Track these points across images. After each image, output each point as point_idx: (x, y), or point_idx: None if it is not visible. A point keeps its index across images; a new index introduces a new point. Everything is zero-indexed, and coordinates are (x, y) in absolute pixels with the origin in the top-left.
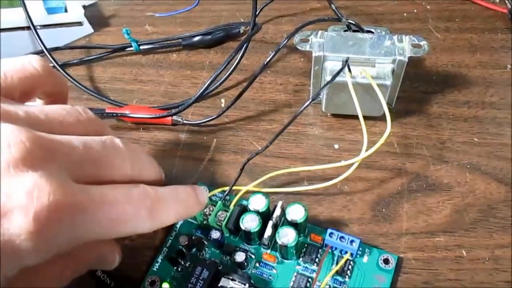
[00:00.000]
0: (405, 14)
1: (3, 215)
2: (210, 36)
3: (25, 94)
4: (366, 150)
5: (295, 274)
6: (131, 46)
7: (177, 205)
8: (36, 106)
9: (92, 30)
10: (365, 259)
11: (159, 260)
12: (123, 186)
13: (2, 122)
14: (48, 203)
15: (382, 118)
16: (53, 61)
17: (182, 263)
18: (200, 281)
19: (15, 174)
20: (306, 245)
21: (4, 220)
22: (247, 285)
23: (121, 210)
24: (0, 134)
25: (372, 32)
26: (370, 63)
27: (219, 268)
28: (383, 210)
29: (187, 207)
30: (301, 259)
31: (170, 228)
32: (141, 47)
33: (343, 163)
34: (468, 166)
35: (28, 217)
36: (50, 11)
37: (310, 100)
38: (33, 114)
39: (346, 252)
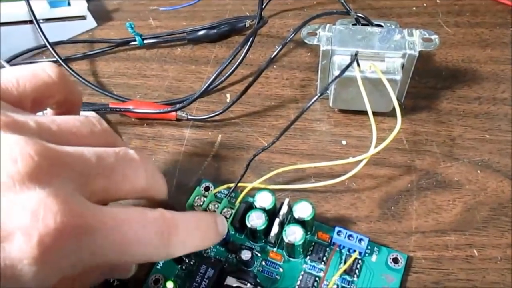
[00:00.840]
0: (414, 8)
1: (5, 238)
2: (215, 30)
3: (37, 103)
4: (375, 147)
5: (302, 273)
6: (135, 40)
7: (195, 234)
8: (48, 116)
9: (95, 24)
10: (374, 258)
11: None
12: (138, 208)
13: (9, 133)
14: (54, 225)
15: (391, 114)
16: (56, 55)
17: (187, 261)
18: (205, 279)
19: (21, 190)
20: (313, 244)
21: (5, 244)
22: (253, 284)
23: (133, 236)
24: (6, 145)
25: (382, 26)
26: (379, 57)
27: (224, 266)
28: (392, 208)
29: (205, 238)
30: (308, 257)
31: None
32: (145, 41)
33: (351, 159)
34: (479, 164)
35: (32, 241)
36: (53, 5)
37: (318, 95)
38: (44, 125)
39: (354, 251)
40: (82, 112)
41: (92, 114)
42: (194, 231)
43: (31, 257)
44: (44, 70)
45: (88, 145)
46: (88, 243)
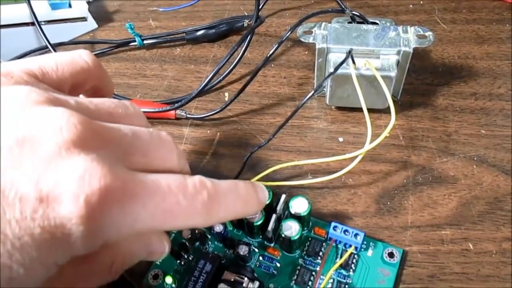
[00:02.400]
0: (410, 5)
1: (54, 199)
2: (213, 30)
3: (75, 87)
4: (370, 143)
5: (298, 267)
6: (134, 41)
7: (236, 201)
8: (85, 98)
9: (96, 26)
10: (370, 252)
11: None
12: (178, 175)
13: (52, 107)
14: (99, 187)
15: (387, 111)
16: None
17: (185, 256)
18: (203, 274)
19: (67, 156)
20: (310, 239)
21: (55, 204)
22: (251, 278)
23: (174, 201)
24: (52, 116)
25: (377, 24)
26: (374, 54)
27: (222, 261)
28: (388, 203)
29: (245, 205)
30: (304, 252)
31: None
32: (145, 42)
33: (347, 155)
34: (475, 159)
35: (79, 201)
36: (54, 6)
37: (313, 91)
38: (83, 104)
39: (350, 246)
40: None
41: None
42: (235, 199)
43: (78, 216)
44: (81, 56)
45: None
46: (131, 208)
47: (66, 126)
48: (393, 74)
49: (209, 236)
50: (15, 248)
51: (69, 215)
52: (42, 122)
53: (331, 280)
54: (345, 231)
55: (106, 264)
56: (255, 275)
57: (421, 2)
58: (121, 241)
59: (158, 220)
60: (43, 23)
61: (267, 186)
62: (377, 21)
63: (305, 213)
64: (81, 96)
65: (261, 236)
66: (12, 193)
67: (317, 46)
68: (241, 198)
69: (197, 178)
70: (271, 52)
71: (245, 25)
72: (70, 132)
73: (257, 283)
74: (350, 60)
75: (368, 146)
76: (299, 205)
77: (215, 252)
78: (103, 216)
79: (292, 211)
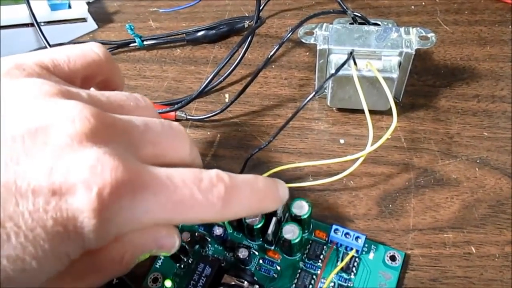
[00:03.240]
0: (412, 7)
1: (66, 191)
2: (214, 31)
3: (86, 80)
4: (372, 145)
5: (299, 271)
6: (134, 42)
7: (253, 196)
8: (97, 91)
9: (96, 26)
10: (371, 255)
11: (162, 256)
12: (193, 169)
13: (65, 99)
14: (111, 179)
15: (389, 112)
16: None
17: (185, 259)
18: (202, 278)
19: (79, 148)
20: (310, 242)
21: (67, 196)
22: (250, 282)
23: (188, 195)
24: (64, 108)
25: (379, 25)
26: (376, 56)
27: (222, 265)
28: (390, 205)
29: (263, 201)
30: (305, 255)
31: None
32: (145, 43)
33: (348, 157)
34: (477, 161)
35: (91, 194)
36: (54, 7)
37: (314, 93)
38: (95, 96)
39: (351, 249)
40: None
41: None
42: (252, 193)
43: (91, 209)
44: (92, 49)
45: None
46: (143, 200)
47: (79, 119)
48: (395, 75)
49: (209, 239)
50: (28, 240)
51: (81, 208)
52: (55, 114)
53: (332, 284)
54: (346, 234)
55: (117, 256)
56: (255, 278)
57: (423, 3)
58: (132, 233)
59: (170, 213)
60: (42, 24)
61: None
62: (378, 22)
63: (305, 216)
64: (92, 89)
65: (261, 239)
66: (25, 184)
67: (318, 47)
68: (260, 192)
69: (214, 171)
70: (272, 53)
71: (246, 26)
72: (82, 124)
73: (257, 287)
74: (351, 61)
75: (369, 148)
76: (300, 208)
77: (215, 255)
78: (115, 208)
79: (293, 213)
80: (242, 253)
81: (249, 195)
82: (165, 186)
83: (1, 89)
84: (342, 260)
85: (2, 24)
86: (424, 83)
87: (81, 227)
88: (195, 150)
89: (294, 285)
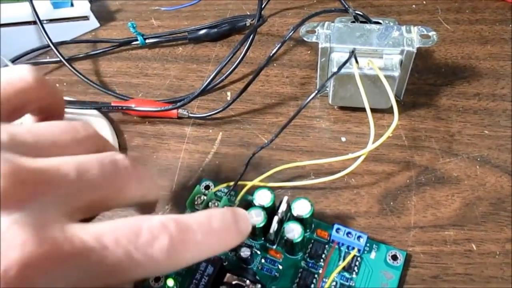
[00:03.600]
0: (413, 6)
1: None
2: (216, 30)
3: (14, 110)
4: (373, 143)
5: (301, 270)
6: (136, 40)
7: (207, 239)
8: (24, 126)
9: (98, 25)
10: (373, 255)
11: None
12: (130, 220)
13: None
14: (18, 258)
15: (390, 111)
16: (59, 55)
17: None
18: (205, 277)
19: None
20: (312, 241)
21: None
22: (252, 281)
23: (122, 255)
24: None
25: (380, 23)
26: (377, 54)
27: (224, 264)
28: (391, 203)
29: (220, 241)
30: (307, 255)
31: None
32: (147, 41)
33: (349, 156)
34: (478, 159)
35: None
36: (56, 5)
37: (316, 91)
38: (19, 137)
39: (353, 248)
40: (85, 111)
41: (94, 113)
42: (208, 234)
43: None
44: (19, 76)
45: (71, 155)
46: (65, 273)
47: None
48: (396, 74)
49: None
50: None
51: None
52: None
53: (334, 283)
54: (348, 233)
55: None
56: (257, 277)
57: (424, 2)
58: None
59: (103, 278)
60: (45, 22)
61: (269, 188)
62: (380, 21)
63: (307, 215)
64: (27, 116)
65: (263, 238)
66: None
67: (320, 46)
68: (215, 233)
69: (157, 219)
70: (274, 51)
71: (248, 24)
72: None
73: (259, 286)
74: (353, 59)
75: (370, 146)
76: (302, 207)
77: (217, 255)
78: (30, 286)
79: (295, 213)
80: (244, 252)
81: (202, 239)
82: (92, 251)
83: None
84: (344, 260)
85: (4, 22)
86: (425, 81)
87: None
88: (146, 182)
89: (296, 285)
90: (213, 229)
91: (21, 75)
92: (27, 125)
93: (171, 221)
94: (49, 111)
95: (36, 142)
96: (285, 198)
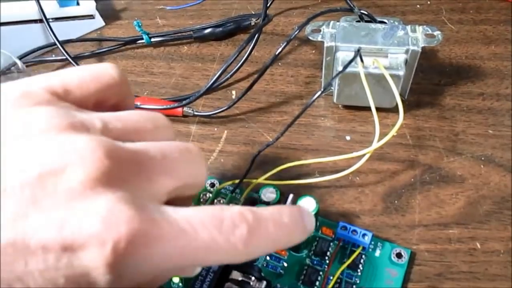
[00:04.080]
0: (418, 6)
1: (78, 246)
2: (221, 29)
3: (99, 103)
4: (378, 141)
5: (306, 267)
6: (142, 39)
7: (278, 232)
8: (112, 114)
9: (103, 23)
10: (378, 253)
11: None
12: (213, 208)
13: (76, 135)
14: (126, 232)
15: (395, 110)
16: (65, 53)
17: None
18: (210, 274)
19: (91, 196)
20: (317, 239)
21: (79, 252)
22: (258, 278)
23: (208, 238)
24: (75, 149)
25: (385, 23)
26: (382, 53)
27: None
28: (395, 202)
29: (289, 235)
30: (312, 252)
31: None
32: (152, 40)
33: (354, 154)
34: (482, 158)
35: (105, 249)
36: (62, 4)
37: (322, 90)
38: (110, 124)
39: (358, 246)
40: None
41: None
42: (279, 229)
43: (104, 265)
44: (107, 71)
45: (152, 141)
46: (160, 250)
47: (91, 160)
48: (401, 73)
49: None
50: None
51: (95, 264)
52: (65, 155)
53: (339, 280)
54: (353, 231)
55: None
56: (262, 274)
57: (428, 2)
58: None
59: (188, 258)
60: (51, 20)
61: (274, 186)
62: (385, 20)
63: (312, 213)
64: None
65: None
66: (35, 241)
67: (325, 45)
68: (285, 227)
69: (237, 210)
70: (279, 51)
71: (253, 23)
72: (95, 167)
73: (264, 283)
74: (358, 58)
75: (375, 145)
76: (307, 205)
77: None
78: (131, 261)
79: None
80: None
81: (274, 232)
82: (183, 232)
83: (6, 125)
84: (348, 257)
85: (11, 20)
86: (430, 81)
87: (95, 282)
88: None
89: (300, 282)
90: (284, 223)
91: (110, 72)
92: (115, 114)
93: (248, 212)
94: (124, 106)
95: (124, 128)
96: (291, 196)
